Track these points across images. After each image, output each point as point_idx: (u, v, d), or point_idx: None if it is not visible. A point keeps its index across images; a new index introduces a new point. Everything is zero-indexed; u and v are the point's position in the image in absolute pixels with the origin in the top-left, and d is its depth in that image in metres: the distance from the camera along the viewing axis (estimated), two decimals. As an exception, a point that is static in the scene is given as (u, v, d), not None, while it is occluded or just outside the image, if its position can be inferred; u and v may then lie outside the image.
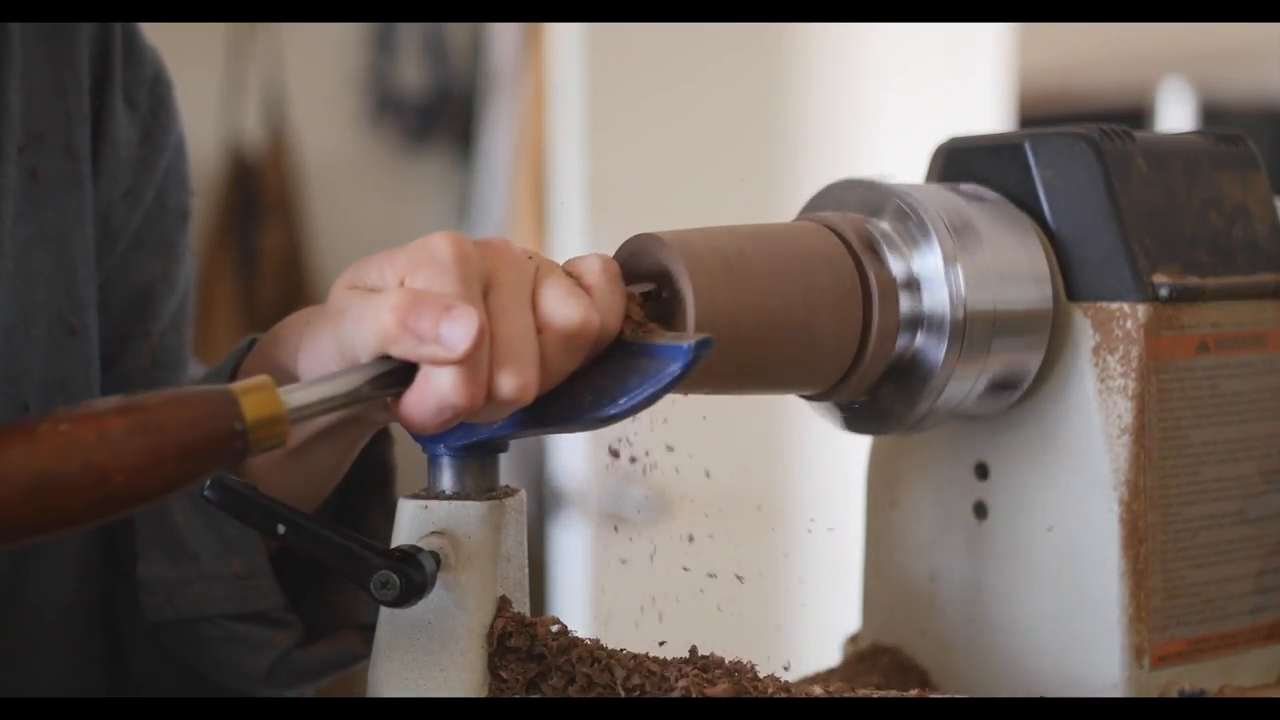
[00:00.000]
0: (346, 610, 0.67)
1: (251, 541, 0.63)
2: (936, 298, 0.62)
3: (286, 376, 0.57)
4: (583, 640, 0.57)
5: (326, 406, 0.51)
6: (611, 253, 0.60)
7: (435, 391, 0.51)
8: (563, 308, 0.53)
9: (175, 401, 0.46)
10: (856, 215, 0.64)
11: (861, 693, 0.56)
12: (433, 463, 0.59)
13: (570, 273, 0.56)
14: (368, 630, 0.66)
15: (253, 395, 0.48)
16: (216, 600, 0.63)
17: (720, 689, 0.55)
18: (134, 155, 0.70)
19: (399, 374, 0.53)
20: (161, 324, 0.73)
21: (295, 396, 0.50)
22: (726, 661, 0.57)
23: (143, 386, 0.71)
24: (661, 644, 0.58)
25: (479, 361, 0.51)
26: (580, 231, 1.75)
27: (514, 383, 0.52)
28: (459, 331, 0.50)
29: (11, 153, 0.63)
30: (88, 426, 0.45)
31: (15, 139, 0.63)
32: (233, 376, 0.63)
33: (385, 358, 0.52)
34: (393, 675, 0.57)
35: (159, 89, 0.72)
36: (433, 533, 0.58)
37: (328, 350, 0.54)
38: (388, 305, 0.51)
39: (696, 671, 0.56)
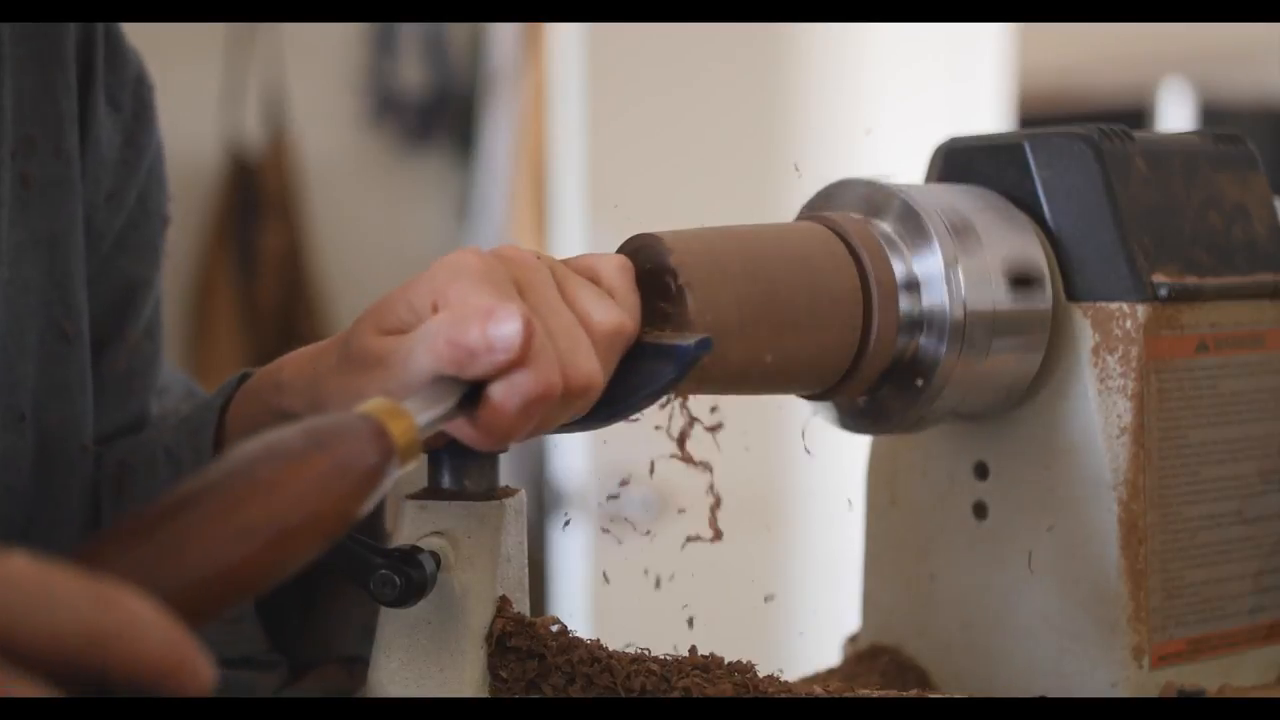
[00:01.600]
0: (328, 643, 0.67)
1: None
2: (936, 297, 0.62)
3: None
4: (583, 640, 0.57)
5: (430, 431, 0.50)
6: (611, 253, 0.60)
7: (519, 390, 0.50)
8: (600, 310, 0.54)
9: (349, 436, 0.44)
10: (856, 215, 0.64)
11: (861, 693, 0.56)
12: (433, 463, 0.59)
13: (584, 271, 0.56)
14: (353, 663, 0.66)
15: (397, 422, 0.46)
16: (201, 645, 0.63)
17: (721, 689, 0.55)
18: (117, 157, 0.69)
19: (472, 393, 0.51)
20: (138, 328, 0.72)
21: (421, 419, 0.48)
22: (727, 661, 0.57)
23: (118, 392, 0.71)
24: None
25: (543, 350, 0.51)
26: (580, 231, 1.75)
27: (585, 368, 0.52)
28: (508, 329, 0.49)
29: (4, 158, 0.62)
30: (301, 473, 0.43)
31: (8, 144, 0.62)
32: (223, 411, 0.62)
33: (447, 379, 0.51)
34: (393, 675, 0.57)
35: (141, 91, 0.71)
36: (433, 533, 0.58)
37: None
38: (432, 334, 0.50)
39: (697, 671, 0.56)
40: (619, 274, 0.56)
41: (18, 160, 0.63)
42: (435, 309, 0.52)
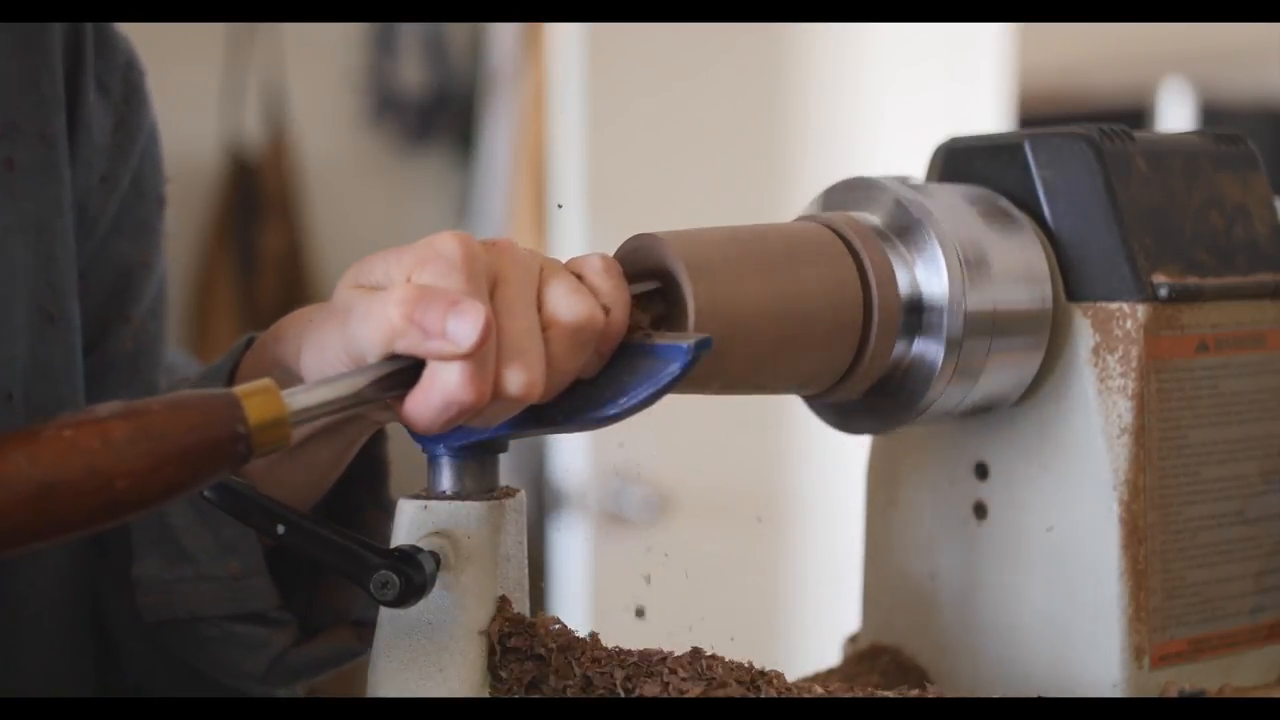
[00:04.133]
0: (340, 606, 0.67)
1: (249, 541, 0.63)
2: (936, 298, 0.62)
3: (288, 374, 0.57)
4: (583, 640, 0.58)
5: (329, 409, 0.50)
6: (611, 253, 0.60)
7: (441, 388, 0.50)
8: (567, 303, 0.53)
9: (177, 406, 0.46)
10: (857, 216, 0.64)
11: (861, 693, 0.56)
12: (432, 463, 0.59)
13: (572, 271, 0.56)
14: (362, 626, 0.66)
15: (256, 398, 0.47)
16: (213, 601, 0.63)
17: (719, 690, 0.55)
18: (109, 141, 0.70)
19: (404, 375, 0.52)
20: (141, 309, 0.72)
21: (298, 399, 0.49)
22: (727, 660, 0.56)
23: (124, 372, 0.72)
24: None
25: (486, 357, 0.50)
26: (580, 232, 1.75)
27: (521, 378, 0.51)
28: (466, 326, 0.50)
29: None
30: (90, 432, 0.44)
31: None
32: (232, 374, 0.63)
33: (391, 358, 0.52)
34: (392, 675, 0.57)
35: (131, 75, 0.71)
36: (432, 533, 0.58)
37: (333, 349, 0.53)
38: (394, 300, 0.50)
39: (696, 671, 0.56)
40: (600, 271, 0.55)
41: (2, 144, 0.63)
42: (409, 282, 0.52)
